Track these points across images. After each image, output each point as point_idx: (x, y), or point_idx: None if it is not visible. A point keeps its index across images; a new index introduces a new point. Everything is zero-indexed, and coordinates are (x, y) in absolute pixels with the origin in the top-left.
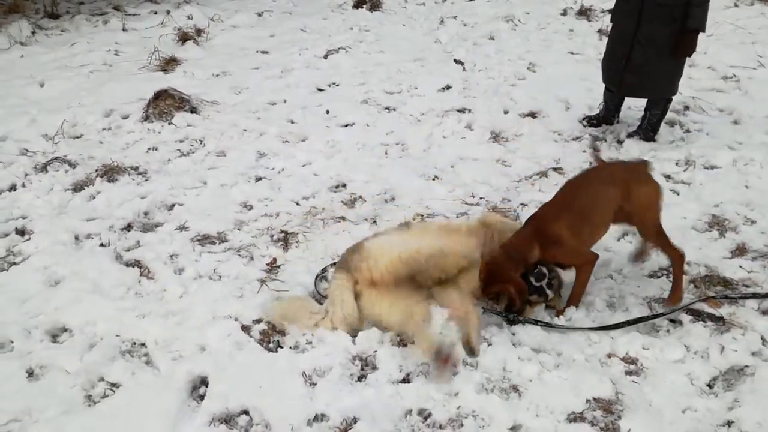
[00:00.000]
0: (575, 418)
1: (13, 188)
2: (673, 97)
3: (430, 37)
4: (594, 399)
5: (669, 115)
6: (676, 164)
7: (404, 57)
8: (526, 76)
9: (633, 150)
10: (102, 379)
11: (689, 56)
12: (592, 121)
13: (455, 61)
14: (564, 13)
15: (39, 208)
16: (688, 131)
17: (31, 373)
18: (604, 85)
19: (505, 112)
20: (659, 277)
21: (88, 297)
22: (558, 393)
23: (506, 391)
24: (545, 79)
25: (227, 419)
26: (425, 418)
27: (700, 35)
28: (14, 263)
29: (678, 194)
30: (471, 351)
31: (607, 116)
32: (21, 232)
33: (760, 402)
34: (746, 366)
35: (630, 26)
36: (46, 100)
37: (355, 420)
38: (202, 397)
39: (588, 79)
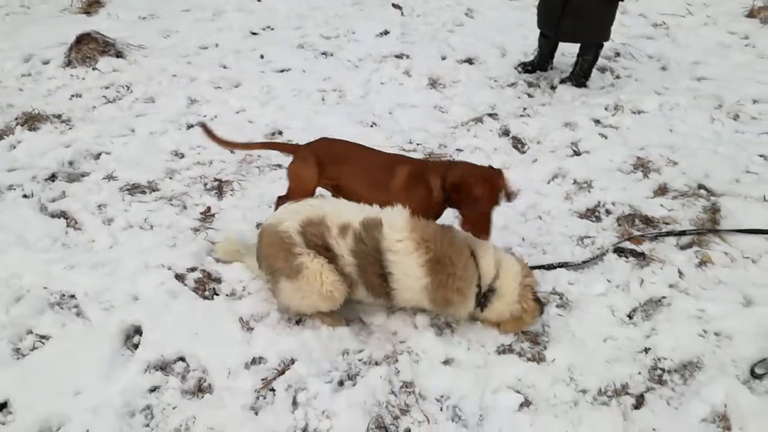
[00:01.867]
0: (504, 350)
1: None
2: (605, 44)
3: None
4: (522, 332)
5: (601, 61)
6: (605, 109)
7: (342, 1)
8: (464, 22)
9: (565, 96)
10: (30, 332)
11: (622, 1)
12: (527, 68)
13: (393, 5)
14: None
15: None
16: (618, 77)
17: None
18: (539, 31)
19: (443, 59)
20: (588, 218)
21: (12, 249)
22: (488, 329)
23: (440, 328)
24: (483, 25)
25: (163, 366)
26: (361, 357)
27: None
28: None
29: (606, 138)
30: None
31: (541, 62)
32: None
33: (675, 329)
34: (663, 297)
35: None
36: None
37: (292, 361)
38: (136, 346)
39: (524, 26)
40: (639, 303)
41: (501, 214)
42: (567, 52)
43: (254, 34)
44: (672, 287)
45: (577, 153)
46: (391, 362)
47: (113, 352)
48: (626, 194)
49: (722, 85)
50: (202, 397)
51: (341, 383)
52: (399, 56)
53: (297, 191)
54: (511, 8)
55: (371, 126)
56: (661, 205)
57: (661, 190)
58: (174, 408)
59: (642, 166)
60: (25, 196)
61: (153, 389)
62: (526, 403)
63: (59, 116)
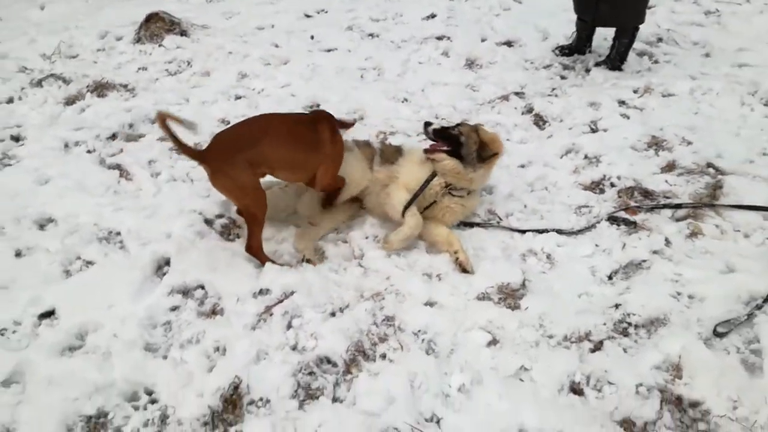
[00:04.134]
0: (482, 297)
1: (10, 101)
2: (646, 29)
3: None
4: (503, 283)
5: (641, 46)
6: (634, 91)
7: None
8: (511, 6)
9: (598, 78)
10: (79, 258)
11: None
12: (564, 51)
13: None
14: None
15: (33, 118)
16: (656, 62)
17: (18, 253)
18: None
19: (483, 41)
20: (592, 190)
21: (72, 194)
22: (472, 278)
23: (429, 276)
24: (530, 9)
25: (185, 291)
26: (353, 293)
27: None
28: (8, 165)
29: (628, 118)
30: (465, 271)
31: (579, 46)
32: (16, 139)
33: (648, 290)
34: (644, 260)
35: None
36: (46, 22)
37: (292, 293)
38: (164, 274)
39: (570, 10)
40: (620, 265)
41: (507, 184)
42: (609, 36)
43: (308, 16)
44: (655, 253)
45: (593, 130)
46: (377, 299)
47: (144, 278)
48: (633, 169)
49: (763, 71)
50: (214, 318)
51: (333, 314)
52: (440, 38)
53: (249, 201)
54: None
55: (402, 101)
56: (666, 181)
57: (669, 167)
58: (189, 324)
59: (656, 144)
60: (88, 151)
61: (173, 308)
62: (493, 342)
63: (125, 86)
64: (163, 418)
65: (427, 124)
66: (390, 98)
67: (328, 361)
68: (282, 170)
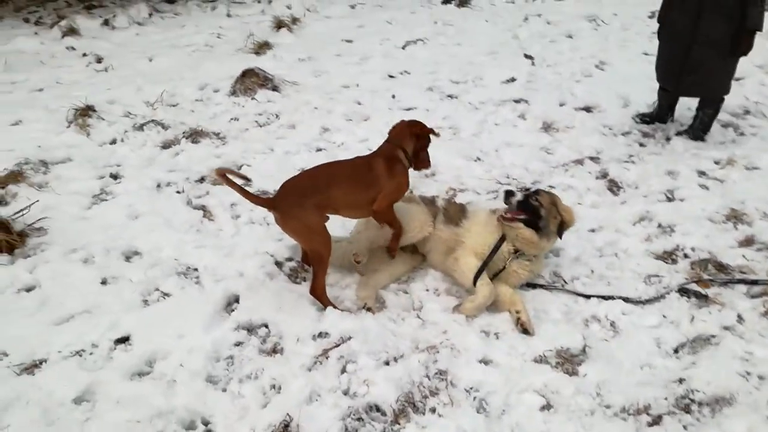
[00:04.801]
0: (540, 359)
1: (113, 142)
2: (735, 101)
3: (510, 34)
4: (563, 347)
5: (725, 117)
6: (716, 163)
7: (478, 50)
8: (593, 73)
9: (678, 147)
10: (157, 289)
11: (745, 55)
12: (645, 119)
13: (525, 56)
14: (652, 15)
15: (132, 159)
16: (741, 134)
17: (104, 282)
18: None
19: (561, 105)
20: (664, 260)
21: (159, 229)
22: (531, 340)
23: (487, 333)
24: (612, 76)
25: (249, 328)
26: (409, 344)
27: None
28: (105, 200)
29: (707, 189)
30: (525, 332)
31: (660, 114)
32: (114, 176)
33: (716, 366)
34: (713, 336)
35: (687, 25)
36: (153, 73)
37: (350, 338)
38: (233, 311)
39: (654, 78)
40: (687, 339)
41: (576, 247)
42: (693, 105)
43: (391, 77)
44: (726, 329)
45: (670, 199)
46: (432, 352)
47: (215, 312)
48: (708, 241)
49: None
50: (273, 356)
51: (387, 363)
52: (518, 101)
53: (316, 242)
54: (646, 62)
55: (475, 160)
56: (743, 256)
57: (747, 241)
58: (250, 360)
59: (735, 217)
60: (177, 191)
61: (238, 344)
62: (547, 406)
63: (218, 134)
64: None
65: (509, 194)
66: (463, 156)
67: (378, 409)
68: (346, 210)
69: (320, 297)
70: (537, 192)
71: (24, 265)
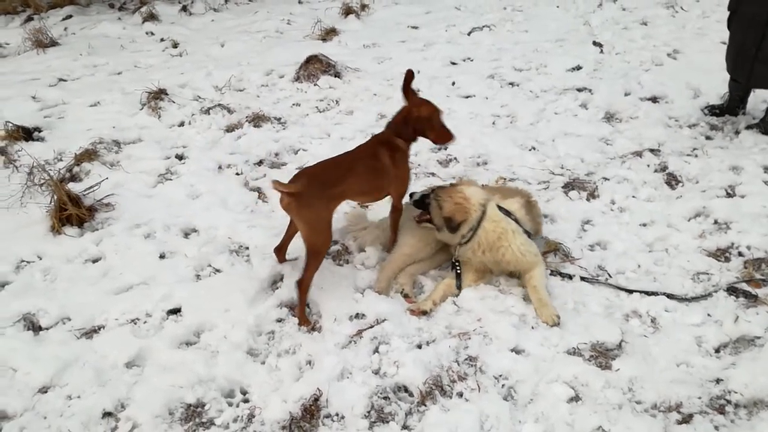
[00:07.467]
0: (573, 351)
1: (182, 124)
2: None
3: (581, 20)
4: (598, 341)
5: None
6: None
7: (546, 37)
8: (664, 62)
9: (747, 141)
10: (209, 265)
11: None
12: (714, 111)
13: (594, 43)
14: None
15: (197, 141)
16: None
17: (162, 256)
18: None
19: (626, 95)
20: (716, 257)
21: (216, 209)
22: (567, 332)
23: (523, 324)
24: (684, 66)
25: (291, 306)
26: (441, 329)
27: None
28: (169, 179)
29: None
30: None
31: (731, 107)
32: (179, 157)
33: (757, 368)
34: (757, 337)
35: (761, 14)
36: (223, 58)
37: (384, 320)
38: (277, 288)
39: None
40: (730, 339)
41: (624, 241)
42: (767, 97)
43: (453, 63)
44: None
45: (729, 195)
46: (464, 338)
47: (260, 289)
48: (766, 240)
49: None
50: (312, 333)
51: (419, 346)
52: (581, 89)
53: (321, 236)
54: (722, 51)
55: (529, 150)
56: None
57: None
58: (289, 336)
59: None
60: (237, 173)
61: (279, 320)
62: (575, 398)
63: (279, 119)
64: (250, 417)
65: (410, 195)
66: (518, 145)
67: (405, 390)
68: (359, 196)
69: (304, 292)
70: (434, 190)
71: (91, 237)
